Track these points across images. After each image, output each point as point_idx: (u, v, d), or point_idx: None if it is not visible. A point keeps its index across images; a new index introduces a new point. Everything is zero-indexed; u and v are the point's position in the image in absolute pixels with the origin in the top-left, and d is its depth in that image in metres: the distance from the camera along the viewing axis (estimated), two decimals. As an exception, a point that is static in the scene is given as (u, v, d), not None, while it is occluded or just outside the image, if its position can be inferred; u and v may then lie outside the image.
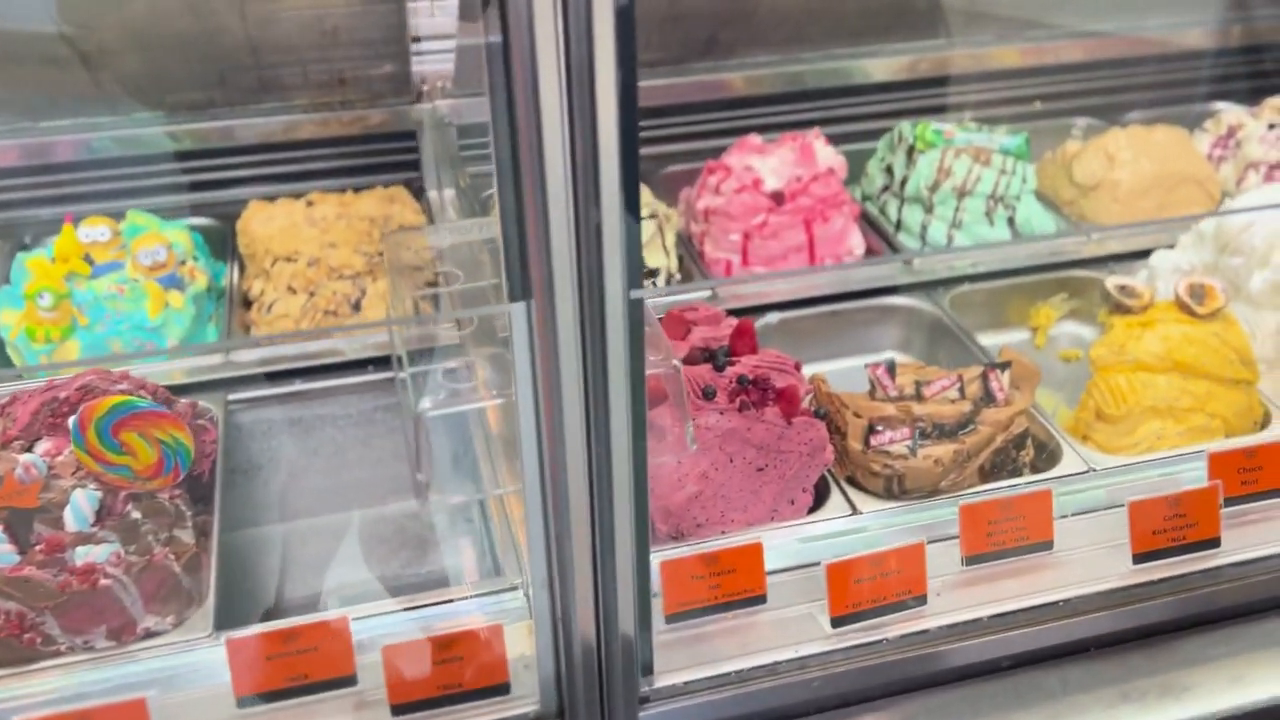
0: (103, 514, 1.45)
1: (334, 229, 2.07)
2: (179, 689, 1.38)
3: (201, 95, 2.22)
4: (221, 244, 2.16)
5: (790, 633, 1.46)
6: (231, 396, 1.84)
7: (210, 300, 1.99)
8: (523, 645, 1.39)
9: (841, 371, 1.97)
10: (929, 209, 2.19)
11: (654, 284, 2.09)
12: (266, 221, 2.09)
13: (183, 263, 1.95)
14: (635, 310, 1.16)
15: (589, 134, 1.06)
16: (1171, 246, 2.11)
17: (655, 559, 1.40)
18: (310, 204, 2.14)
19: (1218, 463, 1.60)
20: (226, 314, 2.00)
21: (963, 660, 1.50)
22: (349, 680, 1.34)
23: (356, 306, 1.96)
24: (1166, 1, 2.64)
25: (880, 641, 1.46)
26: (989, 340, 2.05)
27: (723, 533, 1.57)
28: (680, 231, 2.25)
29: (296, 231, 2.06)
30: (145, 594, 1.41)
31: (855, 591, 1.45)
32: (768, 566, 1.47)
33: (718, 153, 2.26)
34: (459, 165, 2.22)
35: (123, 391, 1.53)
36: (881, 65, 2.50)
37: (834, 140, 2.29)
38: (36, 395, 1.54)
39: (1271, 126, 2.38)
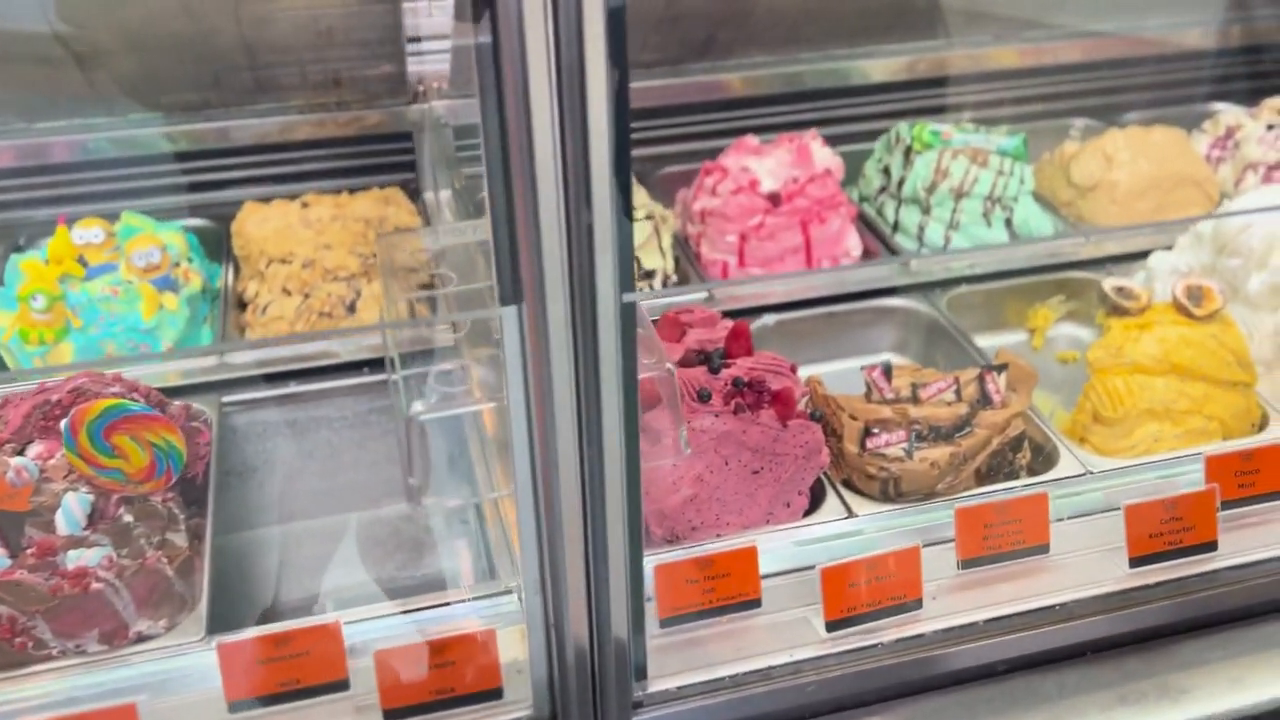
0: (95, 517, 1.44)
1: (329, 230, 2.06)
2: (171, 693, 1.37)
3: (196, 96, 2.21)
4: (217, 245, 2.16)
5: (785, 637, 1.45)
6: (226, 399, 1.84)
7: (205, 302, 1.99)
8: (516, 649, 1.38)
9: (838, 373, 1.97)
10: (926, 210, 2.19)
11: (650, 286, 2.08)
12: (261, 223, 2.08)
13: (177, 264, 1.94)
14: (627, 313, 1.16)
15: (580, 136, 1.05)
16: (1169, 248, 2.10)
17: (649, 562, 1.39)
18: (305, 205, 2.13)
19: (1215, 465, 1.59)
20: (221, 316, 1.99)
21: (958, 664, 1.49)
22: (342, 685, 1.33)
23: (351, 308, 1.95)
24: (1165, 1, 2.64)
25: (875, 646, 1.46)
26: (986, 342, 2.04)
27: (718, 536, 1.57)
28: (677, 233, 2.24)
29: (291, 233, 2.05)
30: (137, 598, 1.41)
31: (850, 595, 1.44)
32: (763, 570, 1.47)
33: (715, 154, 2.26)
34: (455, 166, 2.22)
35: (115, 395, 1.52)
36: (879, 66, 2.49)
37: (831, 141, 2.29)
38: (28, 398, 1.53)
39: (1270, 127, 2.38)
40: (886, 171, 2.30)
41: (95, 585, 1.37)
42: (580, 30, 1.01)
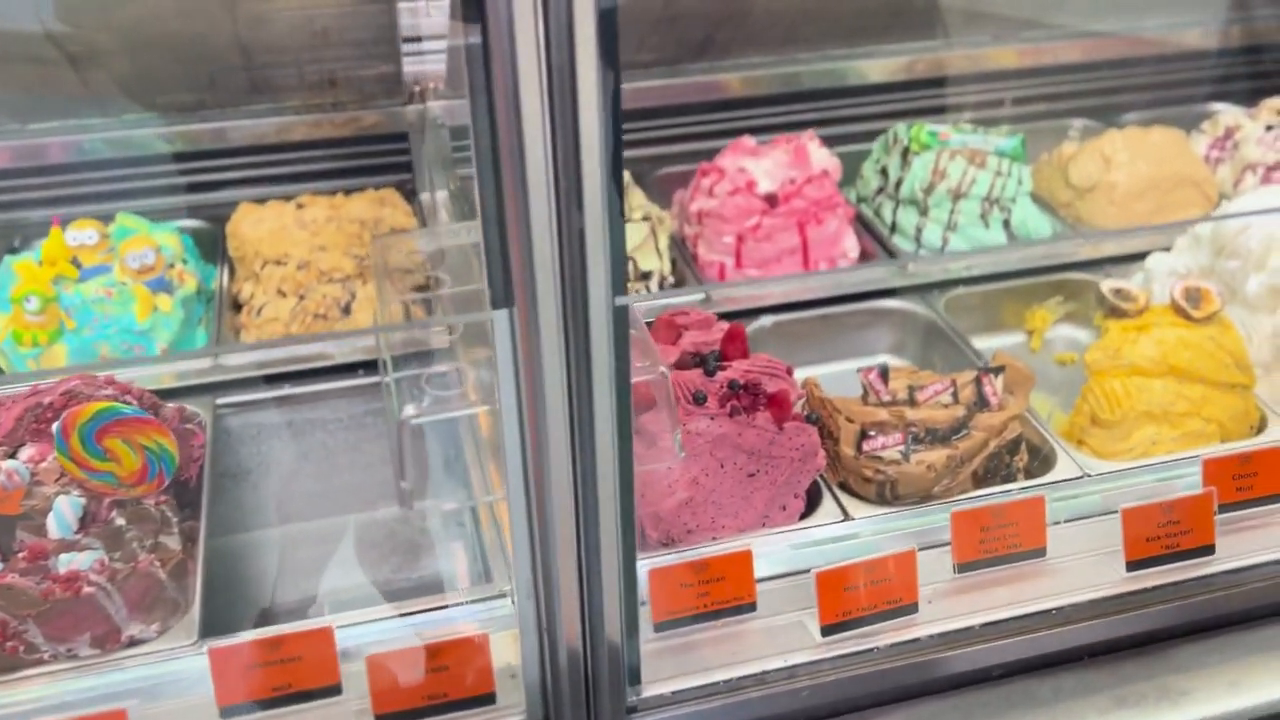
0: (87, 521, 1.43)
1: (324, 232, 2.06)
2: (163, 698, 1.37)
3: (192, 97, 2.20)
4: (212, 246, 2.15)
5: (780, 641, 1.44)
6: (220, 400, 1.83)
7: (200, 303, 1.98)
8: (510, 654, 1.38)
9: (834, 375, 1.96)
10: (924, 211, 2.18)
11: (647, 287, 2.08)
12: (256, 224, 2.08)
13: (171, 266, 1.93)
14: (620, 317, 1.15)
15: (571, 138, 1.05)
16: (1168, 249, 2.09)
17: (643, 566, 1.39)
18: (300, 206, 2.13)
19: (1213, 468, 1.59)
20: (216, 317, 1.99)
21: (954, 669, 1.48)
22: (334, 690, 1.32)
23: (347, 310, 1.95)
24: (1164, 2, 2.63)
25: (871, 650, 1.45)
26: (984, 343, 2.04)
27: (714, 539, 1.56)
28: (673, 234, 2.24)
29: (286, 234, 2.05)
30: (130, 602, 1.40)
31: (845, 599, 1.43)
32: (759, 573, 1.46)
33: (712, 154, 2.25)
34: (451, 167, 2.21)
35: (107, 397, 1.52)
36: (876, 66, 2.49)
37: (829, 142, 2.28)
38: (20, 401, 1.53)
39: (1269, 128, 2.37)
40: (884, 172, 2.29)
41: (87, 589, 1.37)
42: (571, 31, 1.00)
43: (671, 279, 2.12)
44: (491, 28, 0.99)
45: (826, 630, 1.43)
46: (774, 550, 1.54)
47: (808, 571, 1.44)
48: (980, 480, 1.67)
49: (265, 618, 1.77)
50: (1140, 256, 2.13)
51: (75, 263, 1.89)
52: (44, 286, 1.82)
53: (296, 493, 1.91)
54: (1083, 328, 2.18)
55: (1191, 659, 1.57)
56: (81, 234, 1.91)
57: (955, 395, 1.68)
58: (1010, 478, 1.69)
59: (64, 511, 1.41)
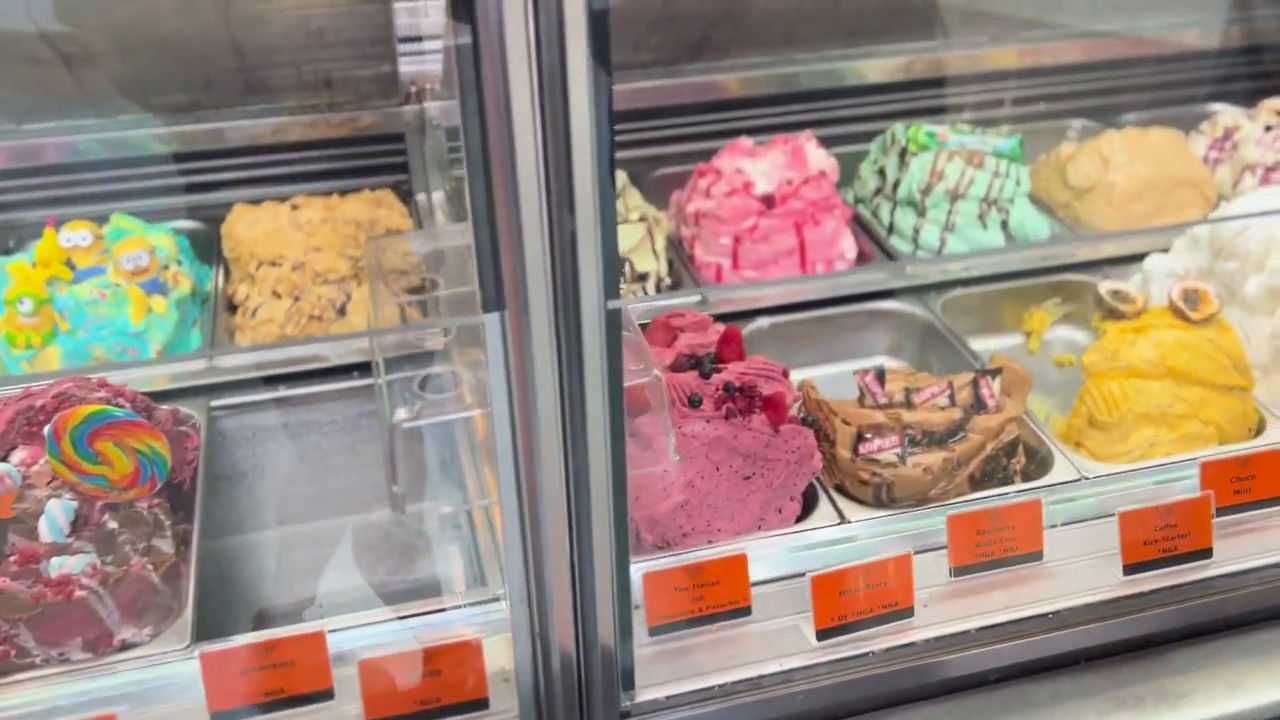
0: (79, 524, 1.43)
1: (319, 233, 2.05)
2: (155, 702, 1.36)
3: (187, 97, 2.20)
4: (207, 247, 2.14)
5: (775, 645, 1.44)
6: (215, 402, 1.82)
7: (194, 305, 1.97)
8: (504, 658, 1.37)
9: (831, 377, 1.96)
10: (921, 212, 2.17)
11: (644, 289, 2.07)
12: (251, 225, 2.07)
13: (166, 267, 1.93)
14: (613, 320, 1.14)
15: (562, 140, 1.04)
16: (1166, 250, 2.08)
17: (638, 570, 1.38)
18: (295, 207, 2.12)
19: (1210, 471, 1.58)
20: (211, 319, 1.98)
21: (950, 673, 1.48)
22: (326, 695, 1.32)
23: (342, 311, 1.94)
24: (1163, 2, 2.62)
25: (866, 654, 1.44)
26: (981, 345, 2.03)
27: (709, 542, 1.55)
28: (670, 235, 2.23)
29: (281, 235, 2.04)
30: (122, 605, 1.39)
31: (841, 603, 1.43)
32: (754, 577, 1.45)
33: (709, 155, 2.24)
34: (447, 168, 2.20)
35: (100, 400, 1.51)
36: (874, 67, 2.48)
37: (826, 142, 2.27)
38: (12, 403, 1.52)
39: (1268, 128, 2.36)
40: (882, 173, 2.28)
41: (79, 593, 1.36)
42: (562, 32, 0.99)
43: (668, 280, 2.12)
44: (481, 28, 0.98)
45: (822, 634, 1.43)
46: (770, 553, 1.54)
47: (804, 575, 1.43)
48: (977, 483, 1.66)
49: (259, 621, 1.76)
50: (1138, 258, 2.12)
51: (69, 264, 1.88)
52: (38, 288, 1.81)
53: (291, 495, 1.90)
54: (1081, 329, 2.18)
55: (1189, 662, 1.56)
56: (75, 235, 1.90)
57: (952, 397, 1.67)
58: (1007, 480, 1.68)
59: (56, 515, 1.40)
